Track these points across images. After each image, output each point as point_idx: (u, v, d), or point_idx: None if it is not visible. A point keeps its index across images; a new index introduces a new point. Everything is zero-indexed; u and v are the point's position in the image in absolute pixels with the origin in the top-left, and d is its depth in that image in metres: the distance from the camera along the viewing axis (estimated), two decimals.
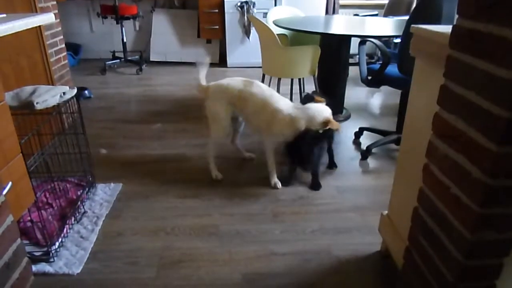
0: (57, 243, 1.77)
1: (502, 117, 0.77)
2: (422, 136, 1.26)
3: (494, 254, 0.94)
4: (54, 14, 2.91)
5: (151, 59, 5.37)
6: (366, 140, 2.99)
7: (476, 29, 0.83)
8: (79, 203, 2.05)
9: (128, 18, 4.82)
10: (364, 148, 2.74)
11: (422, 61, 1.36)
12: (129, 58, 5.07)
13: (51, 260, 1.71)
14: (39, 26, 2.68)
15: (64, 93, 1.96)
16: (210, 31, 5.17)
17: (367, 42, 2.67)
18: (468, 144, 0.87)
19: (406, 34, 2.34)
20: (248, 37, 5.04)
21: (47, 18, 1.78)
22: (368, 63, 2.74)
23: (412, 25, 1.37)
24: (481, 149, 0.82)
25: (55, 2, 2.99)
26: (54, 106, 1.93)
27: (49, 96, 1.86)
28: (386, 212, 1.74)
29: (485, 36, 0.81)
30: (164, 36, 5.35)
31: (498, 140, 0.77)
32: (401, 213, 1.56)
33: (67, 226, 1.89)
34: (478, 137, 0.83)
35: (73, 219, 1.96)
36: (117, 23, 4.73)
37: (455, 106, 0.92)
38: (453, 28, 0.92)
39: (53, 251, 1.72)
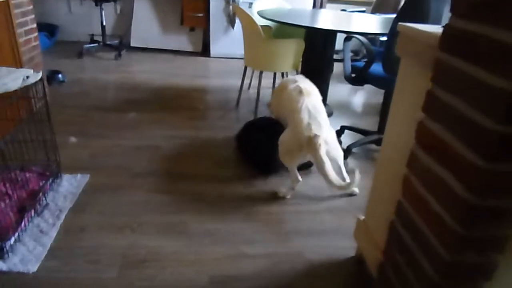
0: (13, 238, 1.65)
1: (493, 131, 0.68)
2: (404, 143, 1.19)
3: (473, 278, 0.87)
4: None
5: (132, 44, 5.18)
6: (347, 139, 2.93)
7: (469, 30, 0.75)
8: (40, 194, 1.92)
9: (108, 1, 4.62)
10: (345, 147, 2.67)
11: (408, 62, 1.29)
12: (108, 42, 4.87)
13: (5, 256, 1.58)
14: (7, 3, 2.51)
15: (27, 77, 1.83)
16: (193, 18, 5.01)
17: (353, 39, 2.60)
18: (454, 158, 0.78)
19: (393, 33, 2.27)
20: (233, 27, 4.91)
21: None
22: (352, 60, 2.67)
23: (399, 24, 1.29)
24: (469, 165, 0.74)
25: None
26: (16, 90, 1.80)
27: (9, 80, 1.73)
28: (362, 217, 1.67)
29: (478, 39, 0.72)
30: (146, 22, 5.17)
31: (488, 157, 0.69)
32: (378, 220, 1.49)
33: (25, 219, 1.76)
34: (465, 152, 0.75)
35: (33, 211, 1.83)
36: (96, 5, 4.54)
37: (442, 115, 0.84)
38: (444, 28, 0.84)
39: (7, 247, 1.60)
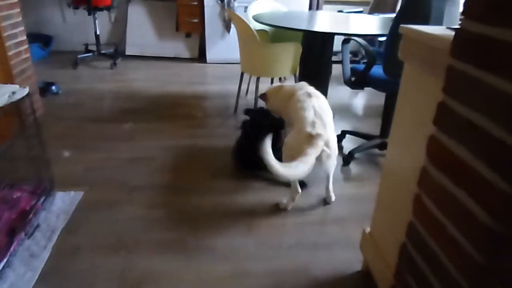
0: (1, 263, 1.57)
1: None
2: (411, 156, 1.10)
3: None
4: (14, 3, 2.69)
5: (127, 53, 5.11)
6: (348, 144, 2.85)
7: (486, 35, 0.66)
8: (31, 214, 1.84)
9: (101, 9, 4.55)
10: (347, 153, 2.59)
11: (412, 66, 1.21)
12: (103, 51, 4.80)
13: None
14: None
15: (13, 93, 1.75)
16: (189, 24, 4.94)
17: (351, 40, 2.52)
18: (472, 178, 0.69)
19: (392, 34, 2.19)
20: (228, 32, 4.83)
21: None
22: (352, 62, 2.59)
23: (402, 26, 1.21)
24: (490, 188, 0.66)
25: None
26: (2, 107, 1.72)
27: None
28: (368, 229, 1.59)
29: (497, 44, 0.64)
30: (141, 29, 5.10)
31: None
32: (384, 232, 1.41)
33: (15, 242, 1.68)
34: (486, 173, 0.66)
35: (23, 234, 1.75)
36: (89, 14, 4.47)
37: (457, 129, 0.75)
38: (456, 32, 0.75)
39: None
